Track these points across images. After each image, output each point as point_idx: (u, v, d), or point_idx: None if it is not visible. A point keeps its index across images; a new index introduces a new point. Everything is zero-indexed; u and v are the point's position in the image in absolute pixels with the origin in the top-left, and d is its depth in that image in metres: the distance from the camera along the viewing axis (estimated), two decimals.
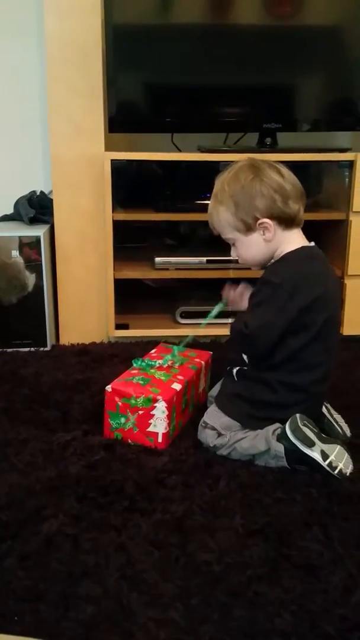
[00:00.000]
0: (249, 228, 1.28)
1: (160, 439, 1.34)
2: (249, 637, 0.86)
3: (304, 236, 1.33)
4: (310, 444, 1.23)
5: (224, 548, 1.04)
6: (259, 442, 1.28)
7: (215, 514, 1.13)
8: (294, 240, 1.30)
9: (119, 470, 1.25)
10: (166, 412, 1.32)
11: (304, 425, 1.24)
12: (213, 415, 1.36)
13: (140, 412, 1.34)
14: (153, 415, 1.33)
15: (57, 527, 1.08)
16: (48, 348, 2.00)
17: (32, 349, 1.98)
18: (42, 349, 1.99)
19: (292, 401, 1.30)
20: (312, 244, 1.33)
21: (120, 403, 1.36)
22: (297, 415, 1.26)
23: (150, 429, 1.34)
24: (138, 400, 1.33)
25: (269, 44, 1.93)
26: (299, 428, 1.24)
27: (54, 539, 1.05)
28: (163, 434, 1.34)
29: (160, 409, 1.32)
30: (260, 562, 1.01)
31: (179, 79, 1.95)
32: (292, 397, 1.30)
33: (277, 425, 1.29)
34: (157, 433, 1.34)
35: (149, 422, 1.34)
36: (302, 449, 1.23)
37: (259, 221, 1.27)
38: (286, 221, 1.28)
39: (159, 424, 1.33)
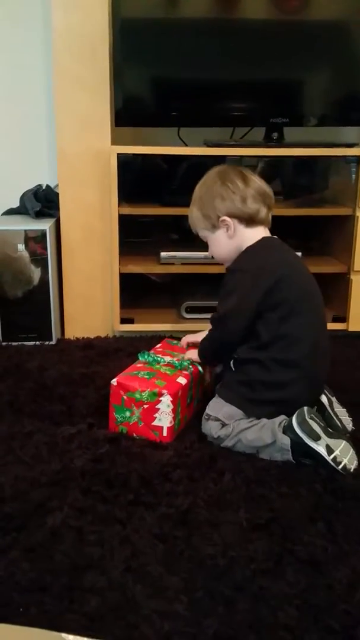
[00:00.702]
0: (213, 225, 1.43)
1: (165, 433, 1.34)
2: (253, 631, 0.86)
3: (268, 232, 1.45)
4: (316, 438, 1.23)
5: (229, 542, 1.04)
6: (264, 434, 1.28)
7: (220, 508, 1.13)
8: (257, 236, 1.42)
9: (124, 464, 1.25)
10: (171, 406, 1.32)
11: (311, 418, 1.24)
12: (215, 406, 1.36)
13: (145, 406, 1.34)
14: (158, 409, 1.33)
15: (61, 519, 1.08)
16: (53, 342, 2.00)
17: (38, 342, 1.98)
18: (47, 342, 1.99)
19: (287, 379, 1.31)
20: (274, 237, 1.46)
21: (125, 397, 1.36)
22: (305, 408, 1.26)
23: (155, 422, 1.34)
24: (143, 394, 1.34)
25: (276, 38, 1.93)
26: (306, 421, 1.24)
27: (58, 531, 1.05)
28: (168, 427, 1.34)
29: (166, 403, 1.33)
30: (265, 556, 1.01)
31: (185, 73, 1.94)
32: (286, 374, 1.32)
33: (283, 417, 1.29)
34: (162, 427, 1.34)
35: (154, 416, 1.34)
36: (308, 442, 1.23)
37: (220, 219, 1.40)
38: (246, 220, 1.40)
39: (164, 418, 1.34)
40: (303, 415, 1.25)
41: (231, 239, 1.42)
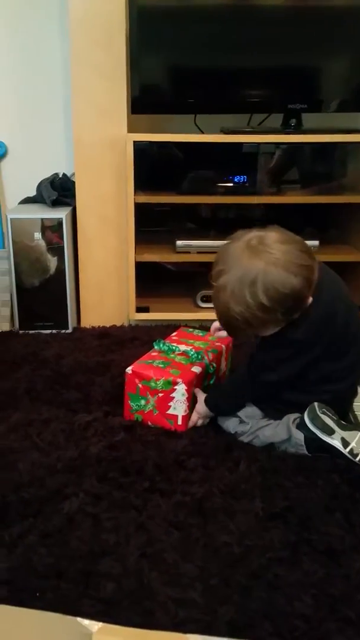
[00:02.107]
0: (289, 319, 1.20)
1: (180, 422, 1.34)
2: (269, 619, 0.86)
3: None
4: (330, 432, 1.22)
5: (244, 530, 1.03)
6: (280, 430, 1.27)
7: (235, 496, 1.13)
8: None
9: (140, 452, 1.25)
10: (186, 395, 1.32)
11: (323, 413, 1.23)
12: None
13: (160, 394, 1.34)
14: (173, 397, 1.33)
15: (78, 505, 1.09)
16: (69, 330, 2.00)
17: (54, 331, 1.99)
18: (63, 331, 2.00)
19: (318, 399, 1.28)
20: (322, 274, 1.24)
21: (140, 385, 1.36)
22: (315, 403, 1.25)
23: (170, 411, 1.34)
24: (158, 382, 1.33)
25: (294, 23, 1.89)
26: (318, 416, 1.23)
27: (75, 517, 1.06)
28: (183, 416, 1.34)
29: (180, 392, 1.32)
30: (281, 545, 1.00)
31: (202, 60, 1.92)
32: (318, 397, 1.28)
33: (298, 414, 1.28)
34: (177, 415, 1.34)
35: (169, 404, 1.34)
36: (322, 437, 1.22)
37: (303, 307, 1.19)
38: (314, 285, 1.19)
39: (179, 406, 1.33)
40: (314, 411, 1.24)
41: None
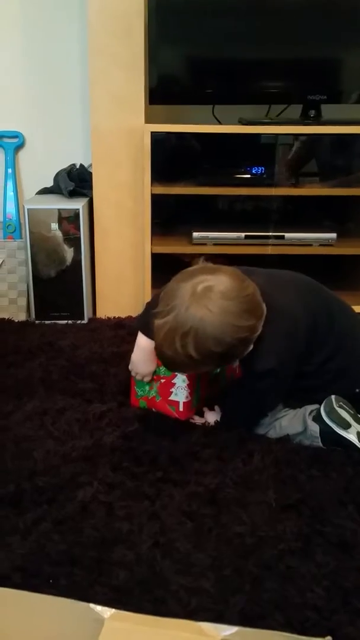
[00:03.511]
0: (233, 362, 1.23)
1: (181, 408, 1.35)
2: (280, 610, 0.86)
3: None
4: (346, 426, 1.21)
5: (257, 521, 1.03)
6: (296, 422, 1.27)
7: (249, 488, 1.13)
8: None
9: (153, 442, 1.26)
10: (187, 382, 1.33)
11: (340, 406, 1.22)
12: None
13: (162, 380, 1.35)
14: (174, 384, 1.34)
15: (91, 494, 1.09)
16: (85, 321, 2.01)
17: (70, 321, 2.00)
18: (79, 321, 2.01)
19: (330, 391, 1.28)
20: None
21: None
22: (333, 396, 1.24)
23: (172, 397, 1.35)
24: (160, 368, 1.34)
25: (313, 13, 1.87)
26: (334, 410, 1.22)
27: (88, 506, 1.07)
28: (184, 402, 1.34)
29: (181, 378, 1.33)
30: (293, 536, 1.00)
31: (220, 50, 1.90)
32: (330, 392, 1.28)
33: (315, 405, 1.27)
34: (179, 402, 1.35)
35: (171, 390, 1.35)
36: (338, 431, 1.21)
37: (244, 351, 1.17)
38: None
39: (180, 392, 1.34)
40: (331, 404, 1.23)
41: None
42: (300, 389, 1.30)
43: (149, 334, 1.28)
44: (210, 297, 1.10)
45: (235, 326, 1.10)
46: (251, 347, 1.17)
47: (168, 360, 1.15)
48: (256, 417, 1.31)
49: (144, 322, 1.30)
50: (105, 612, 0.59)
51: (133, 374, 1.39)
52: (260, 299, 1.16)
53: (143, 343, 1.34)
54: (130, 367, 1.40)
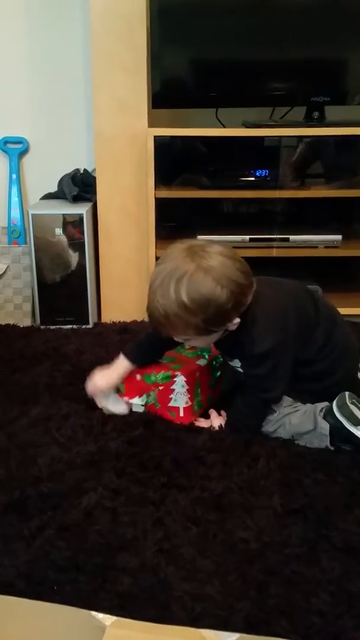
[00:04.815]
0: (214, 332, 1.22)
1: (182, 413, 1.35)
2: (286, 615, 0.85)
3: None
4: (356, 422, 1.21)
5: (262, 527, 1.03)
6: (306, 420, 1.27)
7: (254, 493, 1.12)
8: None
9: (158, 447, 1.25)
10: (186, 387, 1.33)
11: (352, 403, 1.22)
12: None
13: (161, 387, 1.35)
14: (173, 390, 1.34)
15: (96, 500, 1.09)
16: (90, 326, 2.01)
17: (75, 326, 2.00)
18: (84, 326, 2.01)
19: (334, 382, 1.31)
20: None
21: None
22: (346, 392, 1.24)
23: (171, 403, 1.35)
24: (157, 376, 1.34)
25: (316, 14, 1.87)
26: (346, 405, 1.22)
27: (93, 512, 1.06)
28: (184, 408, 1.34)
29: (180, 384, 1.33)
30: (299, 541, 1.00)
31: (224, 53, 1.90)
32: (332, 379, 1.31)
33: (326, 403, 1.27)
34: (179, 408, 1.35)
35: (170, 397, 1.35)
36: (347, 427, 1.21)
37: (227, 324, 1.20)
38: (246, 306, 1.21)
39: (180, 398, 1.34)
40: (344, 399, 1.23)
41: (225, 331, 1.24)
42: (312, 378, 1.30)
43: (130, 356, 1.37)
44: (207, 252, 1.16)
45: (231, 279, 1.15)
46: (238, 321, 1.20)
47: (158, 313, 1.16)
48: (262, 411, 1.30)
49: (130, 347, 1.39)
50: (107, 619, 0.59)
51: (89, 387, 1.40)
52: (250, 271, 1.20)
53: (119, 362, 1.38)
54: (87, 382, 1.41)
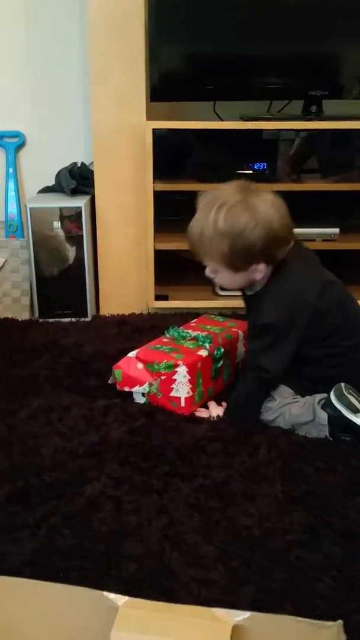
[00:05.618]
0: (238, 269, 1.26)
1: (183, 404, 1.36)
2: (290, 599, 0.86)
3: None
4: (355, 411, 1.23)
5: (264, 513, 1.04)
6: (305, 411, 1.28)
7: (255, 480, 1.13)
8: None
9: (160, 437, 1.26)
10: (188, 377, 1.34)
11: (349, 393, 1.24)
12: None
13: (163, 377, 1.36)
14: (175, 380, 1.35)
15: (100, 489, 1.10)
16: (89, 319, 2.02)
17: (73, 319, 2.01)
18: (82, 319, 2.01)
19: (337, 373, 1.31)
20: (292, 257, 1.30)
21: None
22: (342, 383, 1.26)
23: (173, 393, 1.36)
24: (160, 365, 1.36)
25: (313, 8, 1.87)
26: (344, 394, 1.24)
27: (97, 500, 1.07)
28: (186, 398, 1.35)
29: (182, 374, 1.34)
30: (301, 528, 1.01)
31: (221, 47, 1.91)
32: (336, 370, 1.32)
33: (324, 395, 1.28)
34: (180, 398, 1.36)
35: (171, 387, 1.36)
36: (347, 415, 1.23)
37: (252, 266, 1.25)
38: (275, 262, 1.27)
39: (181, 388, 1.35)
40: (341, 389, 1.25)
41: (252, 278, 1.29)
42: (322, 381, 1.30)
43: None
44: (258, 194, 1.23)
45: (268, 223, 1.20)
46: (264, 271, 1.26)
47: (195, 231, 1.25)
48: (260, 398, 1.31)
49: None
50: (119, 599, 0.60)
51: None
52: (292, 229, 1.26)
53: None
54: None
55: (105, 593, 0.60)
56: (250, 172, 1.98)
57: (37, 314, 2.03)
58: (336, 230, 1.95)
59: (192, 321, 1.62)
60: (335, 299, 1.31)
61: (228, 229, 1.20)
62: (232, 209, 1.20)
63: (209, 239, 1.22)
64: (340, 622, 0.59)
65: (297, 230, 1.95)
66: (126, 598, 0.60)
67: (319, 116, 1.93)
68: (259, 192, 1.24)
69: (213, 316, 1.67)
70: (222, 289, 2.02)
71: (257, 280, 1.30)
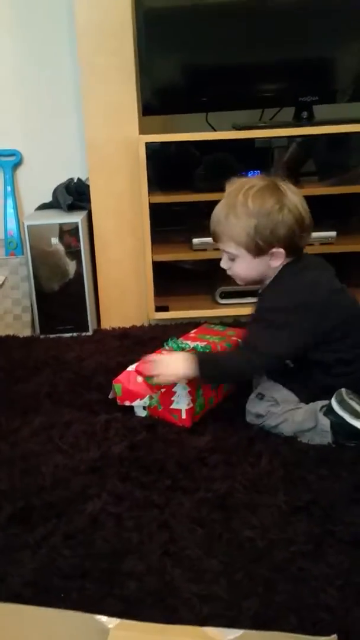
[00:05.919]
0: (259, 252, 1.28)
1: (184, 415, 1.35)
2: (294, 612, 0.85)
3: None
4: (358, 416, 1.21)
5: (268, 525, 1.03)
6: (308, 418, 1.27)
7: (258, 491, 1.12)
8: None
9: (161, 450, 1.26)
10: (188, 389, 1.33)
11: (350, 398, 1.23)
12: (271, 387, 1.34)
13: (163, 389, 1.35)
14: (175, 392, 1.34)
15: (101, 506, 1.09)
16: (90, 333, 2.02)
17: (75, 334, 2.01)
18: (84, 333, 2.01)
19: (344, 382, 1.29)
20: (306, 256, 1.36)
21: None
22: (343, 389, 1.24)
23: (174, 405, 1.35)
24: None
25: (300, 13, 1.88)
26: (345, 400, 1.22)
27: (98, 518, 1.06)
28: (186, 410, 1.34)
29: (181, 386, 1.33)
30: (305, 538, 0.99)
31: (211, 58, 1.91)
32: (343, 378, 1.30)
33: (326, 401, 1.27)
34: (181, 410, 1.35)
35: (172, 399, 1.35)
36: (350, 421, 1.21)
37: (274, 249, 1.27)
38: (295, 251, 1.31)
39: (182, 400, 1.34)
40: (342, 395, 1.23)
41: (272, 268, 1.30)
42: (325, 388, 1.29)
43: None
44: (284, 184, 1.29)
45: (295, 210, 1.25)
46: (282, 258, 1.28)
47: (220, 210, 1.29)
48: (241, 369, 1.32)
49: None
50: (110, 622, 0.59)
51: (154, 372, 1.31)
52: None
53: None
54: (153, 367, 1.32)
55: (97, 616, 0.60)
56: None
57: (38, 331, 2.03)
58: (333, 233, 1.94)
59: (192, 331, 1.61)
60: (348, 302, 1.34)
61: (257, 208, 1.24)
62: (261, 190, 1.25)
63: (237, 217, 1.25)
64: (334, 636, 0.57)
65: None
66: (118, 620, 0.59)
67: (311, 122, 1.92)
68: (285, 181, 1.30)
69: (213, 325, 1.66)
70: (223, 296, 2.02)
71: (270, 273, 1.31)
